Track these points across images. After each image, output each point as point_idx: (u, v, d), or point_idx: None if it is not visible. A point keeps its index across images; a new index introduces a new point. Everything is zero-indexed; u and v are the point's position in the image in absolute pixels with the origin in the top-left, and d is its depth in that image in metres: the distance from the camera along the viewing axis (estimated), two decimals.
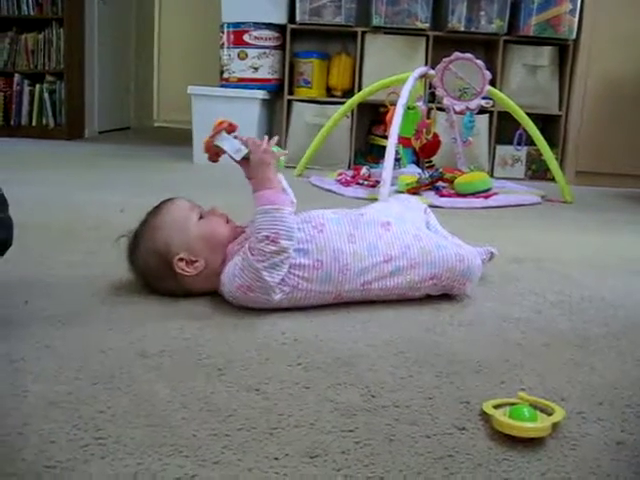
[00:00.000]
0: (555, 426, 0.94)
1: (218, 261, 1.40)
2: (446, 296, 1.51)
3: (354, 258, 1.40)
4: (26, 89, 5.05)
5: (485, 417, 0.97)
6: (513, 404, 0.98)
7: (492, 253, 1.69)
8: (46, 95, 5.04)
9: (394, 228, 1.47)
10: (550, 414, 0.96)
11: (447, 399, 1.03)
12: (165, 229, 1.39)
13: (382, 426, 0.94)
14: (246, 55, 4.09)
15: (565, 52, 4.08)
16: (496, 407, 0.98)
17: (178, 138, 5.36)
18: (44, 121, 5.07)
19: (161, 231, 1.39)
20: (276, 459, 0.84)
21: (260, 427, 0.92)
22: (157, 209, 1.44)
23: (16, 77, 5.04)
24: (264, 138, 1.44)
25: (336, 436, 0.90)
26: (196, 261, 1.39)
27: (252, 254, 1.31)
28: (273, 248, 1.31)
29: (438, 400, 1.02)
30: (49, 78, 5.06)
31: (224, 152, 1.45)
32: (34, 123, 5.07)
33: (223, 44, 4.18)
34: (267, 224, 1.32)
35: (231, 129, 1.47)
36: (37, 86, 5.04)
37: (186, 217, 1.41)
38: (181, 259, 1.38)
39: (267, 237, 1.31)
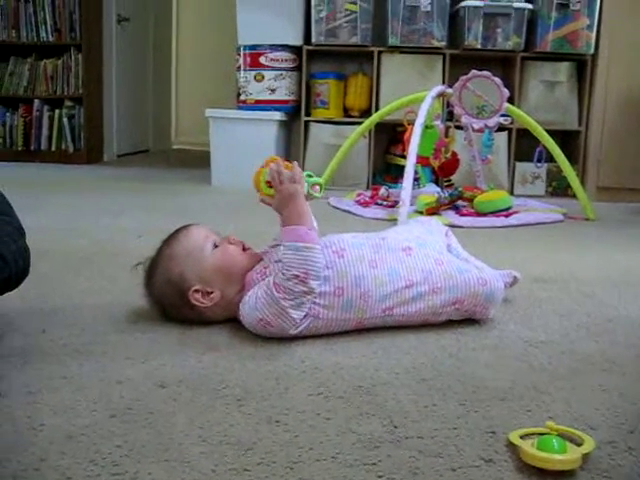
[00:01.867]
0: (585, 457, 0.91)
1: (235, 291, 1.38)
2: (468, 319, 1.48)
3: (375, 284, 1.37)
4: (45, 114, 5.10)
5: (512, 448, 0.94)
6: (541, 434, 0.95)
7: (515, 277, 1.65)
8: (65, 120, 5.08)
9: (415, 252, 1.45)
10: (579, 444, 0.93)
11: (472, 429, 1.00)
12: (180, 259, 1.37)
13: (406, 459, 0.91)
14: (263, 77, 4.10)
15: (583, 67, 4.05)
16: (523, 437, 0.95)
17: (196, 160, 5.38)
18: (63, 146, 5.11)
19: (176, 261, 1.37)
20: None
21: (280, 461, 0.89)
22: (172, 237, 1.42)
23: (36, 103, 5.09)
24: (293, 164, 1.41)
25: (359, 470, 0.88)
26: (212, 292, 1.37)
27: (278, 291, 1.28)
28: (302, 288, 1.28)
29: (463, 430, 0.99)
30: (68, 103, 5.10)
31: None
32: (53, 148, 5.11)
33: (240, 66, 4.19)
34: (297, 263, 1.28)
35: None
36: (56, 111, 5.09)
37: (201, 247, 1.39)
38: (197, 290, 1.36)
39: (296, 276, 1.27)
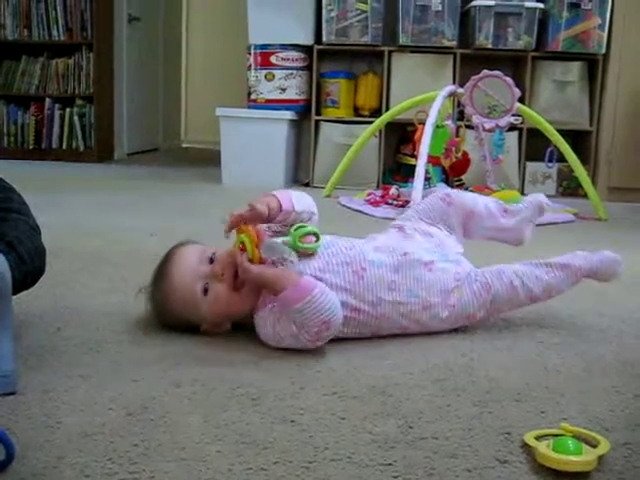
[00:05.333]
0: (601, 459, 0.91)
1: (245, 314, 1.36)
2: None
3: (393, 307, 1.35)
4: (57, 113, 5.12)
5: (527, 449, 0.94)
6: (556, 435, 0.95)
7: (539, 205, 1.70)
8: (76, 119, 5.09)
9: (436, 267, 1.41)
10: (595, 446, 0.93)
11: (487, 430, 1.00)
12: (178, 309, 1.33)
13: (421, 459, 0.91)
14: (273, 76, 4.11)
15: (595, 67, 4.04)
16: (538, 438, 0.95)
17: (206, 159, 5.38)
18: (74, 144, 5.13)
19: (174, 304, 1.33)
20: None
21: (296, 460, 0.90)
22: (160, 277, 1.36)
23: (47, 101, 5.11)
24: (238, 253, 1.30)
25: (374, 470, 0.88)
26: (221, 324, 1.36)
27: (306, 338, 1.25)
28: (329, 333, 1.26)
29: (478, 431, 0.99)
30: (79, 102, 5.12)
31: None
32: (64, 146, 5.13)
33: (250, 65, 4.20)
34: (311, 320, 1.23)
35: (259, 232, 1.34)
36: (67, 110, 5.11)
37: (192, 293, 1.31)
38: (205, 328, 1.36)
39: (319, 331, 1.24)
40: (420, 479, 0.87)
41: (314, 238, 1.35)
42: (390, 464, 0.90)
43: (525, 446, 0.95)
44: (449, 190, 1.63)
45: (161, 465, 0.88)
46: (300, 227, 1.35)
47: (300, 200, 1.41)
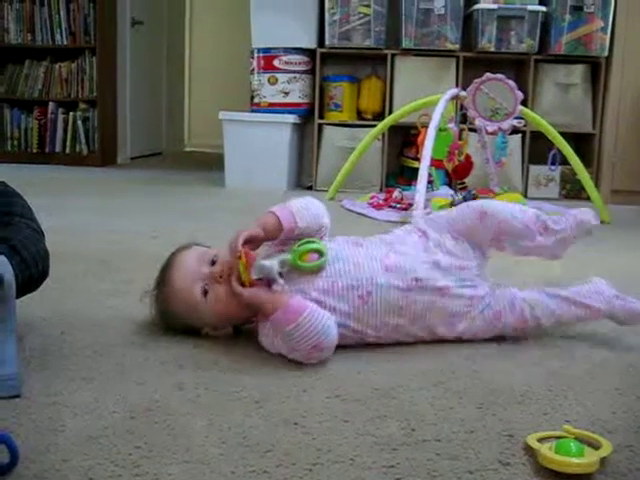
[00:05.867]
0: (603, 461, 0.91)
1: (246, 317, 1.36)
2: None
3: (397, 330, 1.34)
4: (60, 117, 5.13)
5: (530, 451, 0.94)
6: (558, 437, 0.95)
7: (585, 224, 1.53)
8: (79, 123, 5.11)
9: (450, 292, 1.35)
10: (597, 448, 0.93)
11: (489, 432, 1.00)
12: (178, 307, 1.33)
13: (424, 461, 0.91)
14: (276, 80, 4.11)
15: (597, 70, 4.04)
16: (540, 440, 0.95)
17: (209, 163, 5.39)
18: (77, 148, 5.14)
19: (176, 307, 1.34)
20: None
21: (299, 463, 0.90)
22: (162, 276, 1.36)
23: (50, 105, 5.13)
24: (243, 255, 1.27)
25: (377, 472, 0.88)
26: (222, 327, 1.36)
27: (299, 358, 1.24)
28: (322, 354, 1.24)
29: (480, 433, 1.00)
30: (82, 106, 5.13)
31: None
32: (68, 150, 5.14)
33: (253, 69, 4.21)
34: (300, 344, 1.22)
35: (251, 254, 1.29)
36: (71, 114, 5.12)
37: (192, 295, 1.31)
38: (206, 331, 1.37)
39: (309, 353, 1.23)
40: None
41: (317, 256, 1.31)
42: (393, 466, 0.90)
43: (527, 448, 0.95)
44: (486, 204, 1.46)
45: (164, 468, 0.88)
46: (304, 243, 1.32)
47: (303, 214, 1.34)
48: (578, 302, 1.40)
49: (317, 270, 1.31)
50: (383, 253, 1.36)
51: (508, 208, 1.46)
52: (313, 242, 1.32)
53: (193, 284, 1.31)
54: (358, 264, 1.33)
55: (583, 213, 1.51)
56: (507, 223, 1.43)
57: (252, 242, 1.30)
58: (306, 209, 1.36)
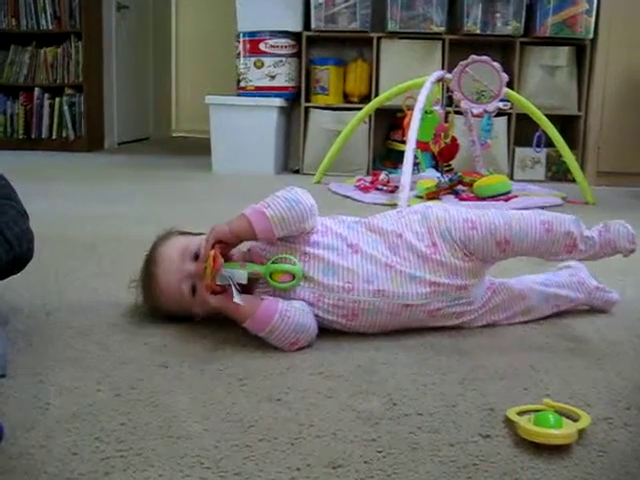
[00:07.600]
0: (581, 433, 0.92)
1: None
2: None
3: (386, 329, 1.33)
4: (46, 102, 5.10)
5: (510, 424, 0.95)
6: (538, 411, 0.96)
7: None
8: (66, 108, 5.08)
9: (440, 313, 1.32)
10: (576, 420, 0.95)
11: (471, 406, 1.01)
12: (168, 305, 1.32)
13: (405, 435, 0.93)
14: (262, 64, 4.10)
15: (583, 52, 4.05)
16: (520, 414, 0.96)
17: (196, 148, 5.38)
18: (64, 134, 5.11)
19: (166, 305, 1.32)
20: (298, 470, 0.84)
21: (282, 437, 0.91)
22: (146, 272, 1.33)
23: (36, 91, 5.09)
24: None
25: (358, 445, 0.90)
26: (215, 315, 1.32)
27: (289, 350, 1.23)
28: (302, 344, 1.23)
29: (461, 407, 1.01)
30: (68, 91, 5.10)
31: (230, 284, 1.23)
32: (54, 136, 5.12)
33: (239, 53, 4.19)
34: (281, 344, 1.22)
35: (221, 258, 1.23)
36: (57, 99, 5.09)
37: (180, 293, 1.28)
38: (198, 320, 1.35)
39: (291, 347, 1.22)
40: (404, 453, 0.88)
41: (290, 277, 1.24)
42: (374, 440, 0.91)
43: (507, 421, 0.96)
44: (509, 231, 1.31)
45: (148, 443, 0.89)
46: (280, 258, 1.26)
47: (282, 222, 1.25)
48: (561, 296, 1.45)
49: (288, 290, 1.26)
50: (378, 275, 1.28)
51: (532, 232, 1.32)
52: (289, 260, 1.25)
53: (179, 283, 1.28)
54: (349, 281, 1.27)
55: (619, 239, 1.37)
56: (530, 252, 1.36)
57: (225, 243, 1.27)
58: (289, 209, 1.25)
